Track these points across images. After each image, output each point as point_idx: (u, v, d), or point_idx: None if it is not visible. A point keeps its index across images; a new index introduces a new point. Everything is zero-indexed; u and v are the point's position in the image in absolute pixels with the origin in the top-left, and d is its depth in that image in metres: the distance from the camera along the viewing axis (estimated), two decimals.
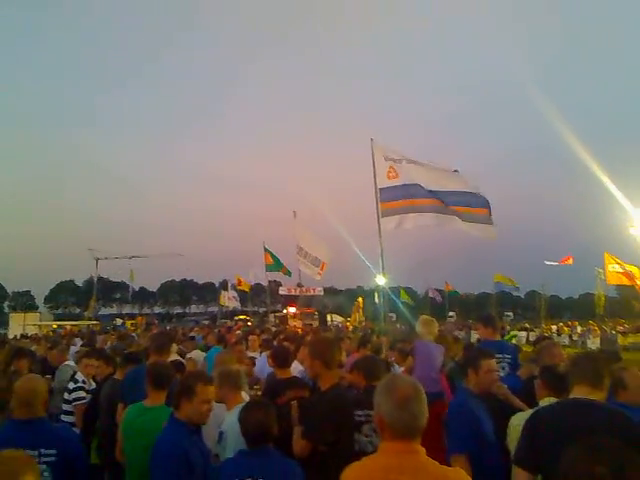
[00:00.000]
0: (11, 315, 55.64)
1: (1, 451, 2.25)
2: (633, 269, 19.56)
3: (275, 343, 9.58)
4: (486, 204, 10.55)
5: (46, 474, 3.15)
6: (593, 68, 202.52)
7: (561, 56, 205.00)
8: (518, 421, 3.63)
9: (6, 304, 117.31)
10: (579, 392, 2.86)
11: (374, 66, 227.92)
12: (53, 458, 3.18)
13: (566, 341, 31.28)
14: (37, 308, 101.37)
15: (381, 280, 16.26)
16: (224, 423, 3.78)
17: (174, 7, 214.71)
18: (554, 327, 41.42)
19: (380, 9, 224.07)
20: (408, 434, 2.18)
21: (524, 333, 33.64)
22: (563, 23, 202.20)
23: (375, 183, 11.91)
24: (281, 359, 5.18)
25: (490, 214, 10.55)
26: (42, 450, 3.16)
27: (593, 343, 27.44)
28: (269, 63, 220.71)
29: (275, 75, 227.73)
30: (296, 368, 6.24)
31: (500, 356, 5.54)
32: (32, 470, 2.25)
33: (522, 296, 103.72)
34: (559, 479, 1.65)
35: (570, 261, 37.03)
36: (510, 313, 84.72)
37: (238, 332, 16.81)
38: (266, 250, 30.60)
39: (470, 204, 10.65)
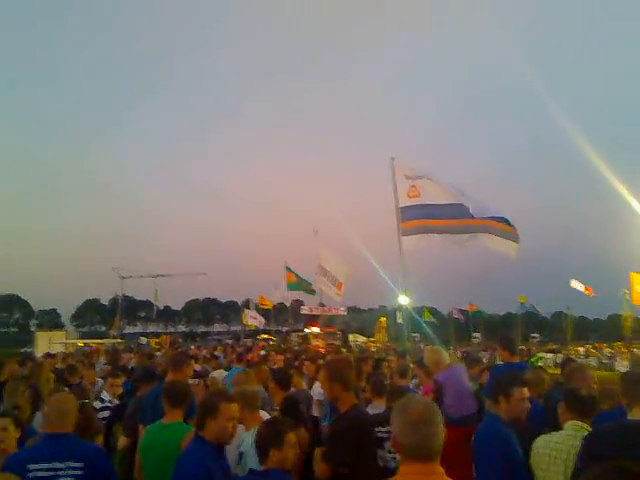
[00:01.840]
0: (37, 333, 56.22)
1: None
2: None
3: (297, 363, 9.60)
4: (508, 222, 10.68)
5: None
6: (621, 81, 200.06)
7: (587, 72, 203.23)
8: (541, 443, 3.58)
9: (33, 322, 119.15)
10: (637, 413, 2.78)
11: (395, 80, 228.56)
12: (80, 472, 3.24)
13: (594, 363, 30.56)
14: (63, 326, 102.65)
15: (404, 300, 16.13)
16: (243, 444, 3.80)
17: (189, 24, 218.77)
18: (581, 349, 40.55)
19: (394, 25, 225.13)
20: (421, 456, 2.16)
21: (551, 355, 32.98)
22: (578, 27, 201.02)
23: (396, 202, 11.95)
24: (285, 382, 5.96)
25: (514, 231, 10.66)
26: (70, 462, 3.23)
27: (621, 365, 26.76)
28: (287, 80, 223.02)
29: (295, 93, 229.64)
30: (316, 389, 6.25)
31: None
32: None
33: (548, 317, 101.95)
34: None
35: (591, 292, 36.55)
36: (536, 334, 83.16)
37: (262, 352, 16.80)
38: (288, 269, 30.71)
39: (494, 218, 10.75)
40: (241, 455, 3.74)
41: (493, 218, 10.71)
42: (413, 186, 11.70)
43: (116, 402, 6.55)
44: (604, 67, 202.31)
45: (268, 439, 3.17)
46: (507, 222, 10.67)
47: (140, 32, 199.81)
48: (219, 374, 9.06)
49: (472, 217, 10.84)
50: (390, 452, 4.36)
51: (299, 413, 5.26)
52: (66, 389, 6.67)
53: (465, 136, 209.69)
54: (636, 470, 1.55)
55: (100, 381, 8.15)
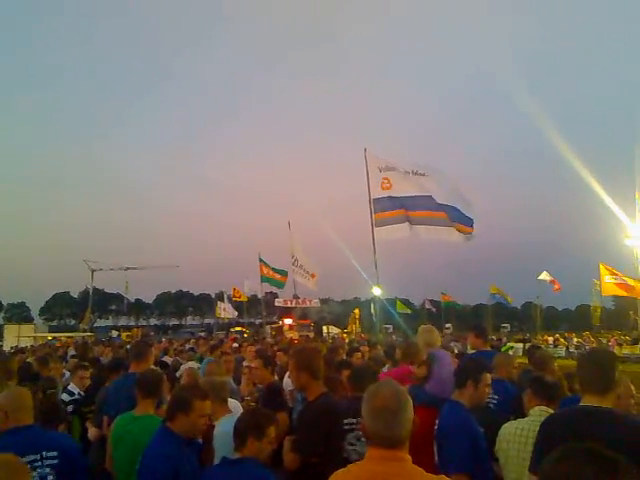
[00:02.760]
0: (6, 327, 55.16)
1: None
2: (630, 281, 19.46)
3: (269, 354, 9.61)
4: (470, 223, 10.82)
5: (51, 477, 3.18)
6: (594, 78, 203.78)
7: (562, 66, 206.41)
8: (507, 430, 3.63)
9: (1, 316, 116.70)
10: (588, 400, 2.82)
11: (370, 73, 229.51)
12: (56, 460, 3.20)
13: (562, 352, 31.19)
14: (32, 320, 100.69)
15: (377, 291, 16.21)
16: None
17: (186, 22, 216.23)
18: (550, 338, 41.36)
19: (374, 17, 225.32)
20: (385, 442, 2.17)
21: (521, 344, 33.49)
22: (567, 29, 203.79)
23: (369, 193, 11.98)
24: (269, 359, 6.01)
25: (471, 232, 10.84)
26: (44, 453, 3.18)
27: None
28: (265, 74, 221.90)
29: (271, 86, 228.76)
30: (288, 379, 6.24)
31: None
32: (25, 476, 2.26)
33: (519, 307, 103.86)
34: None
35: (559, 288, 37.29)
36: (507, 325, 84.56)
37: (235, 345, 16.69)
38: (261, 261, 30.59)
39: (455, 220, 10.86)
40: None
41: (452, 216, 10.84)
42: (385, 178, 11.73)
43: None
44: (580, 68, 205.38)
45: (249, 427, 3.16)
46: (465, 223, 10.83)
47: (141, 30, 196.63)
48: (192, 365, 8.99)
49: (432, 210, 10.98)
50: (351, 445, 4.31)
51: (282, 398, 5.24)
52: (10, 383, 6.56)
53: (443, 131, 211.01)
54: (590, 448, 1.57)
55: (67, 373, 8.05)
